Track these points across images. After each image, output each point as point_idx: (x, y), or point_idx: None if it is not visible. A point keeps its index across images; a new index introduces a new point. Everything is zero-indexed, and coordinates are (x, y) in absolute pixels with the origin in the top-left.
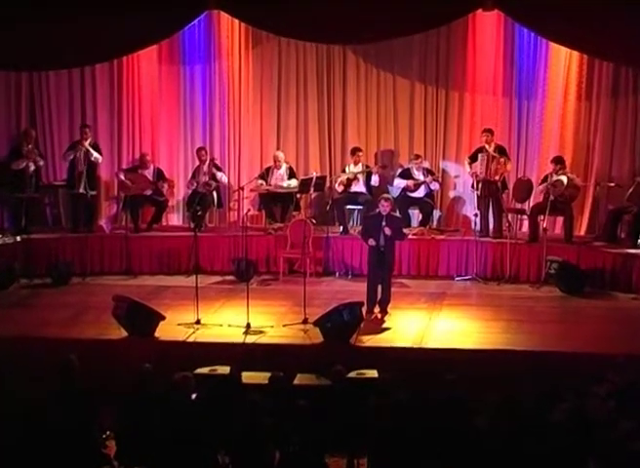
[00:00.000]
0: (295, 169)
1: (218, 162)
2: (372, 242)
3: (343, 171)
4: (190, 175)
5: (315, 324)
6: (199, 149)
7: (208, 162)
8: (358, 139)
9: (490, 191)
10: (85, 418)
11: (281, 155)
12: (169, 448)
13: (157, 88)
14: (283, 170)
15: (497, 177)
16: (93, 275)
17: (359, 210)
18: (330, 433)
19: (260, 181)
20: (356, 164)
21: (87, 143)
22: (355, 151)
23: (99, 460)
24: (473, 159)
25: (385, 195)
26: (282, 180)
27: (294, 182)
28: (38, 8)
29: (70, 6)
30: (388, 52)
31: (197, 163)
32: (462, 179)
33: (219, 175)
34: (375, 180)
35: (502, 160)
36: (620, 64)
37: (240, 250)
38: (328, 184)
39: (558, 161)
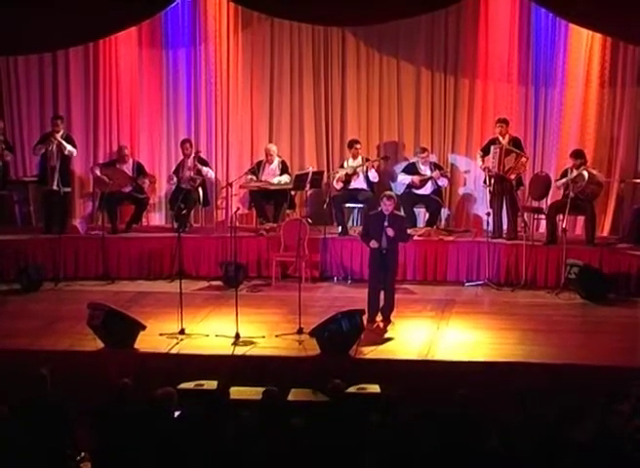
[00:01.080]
0: (288, 163)
1: (203, 155)
2: (373, 244)
3: (342, 165)
4: (173, 169)
5: (311, 334)
6: (183, 142)
7: (193, 155)
8: (358, 131)
9: (503, 188)
10: (58, 438)
11: (273, 148)
12: None
13: (137, 74)
14: (275, 164)
15: (512, 177)
16: (66, 280)
17: (359, 208)
18: (327, 454)
19: (251, 177)
20: (355, 158)
21: (59, 136)
22: (353, 144)
23: None
24: (485, 152)
25: (388, 192)
26: (274, 176)
27: (287, 178)
28: None
29: None
30: (392, 34)
31: (181, 157)
32: (473, 175)
33: (204, 169)
34: (373, 176)
35: (518, 153)
36: None
37: (228, 252)
38: (325, 180)
39: (578, 155)
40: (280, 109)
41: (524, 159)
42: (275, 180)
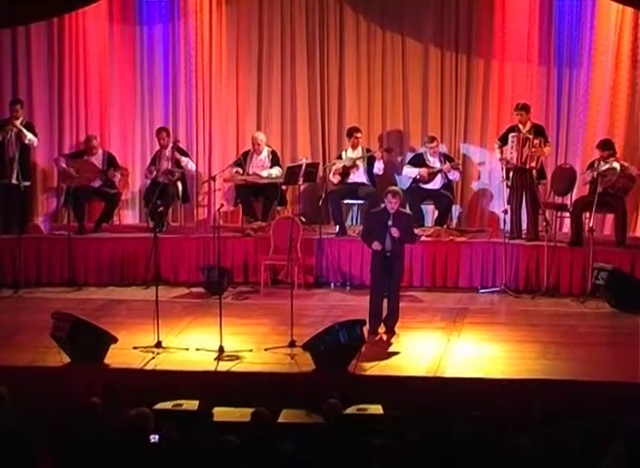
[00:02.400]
0: (279, 154)
1: (183, 146)
2: (376, 245)
3: (339, 157)
4: (149, 161)
5: (305, 347)
6: (159, 130)
7: (170, 146)
8: (358, 118)
9: (523, 182)
10: (16, 466)
11: (261, 136)
12: None
13: (108, 54)
14: (264, 155)
15: (532, 165)
16: (27, 287)
17: (359, 205)
18: None
19: (236, 170)
20: (354, 148)
21: (19, 123)
22: (352, 132)
23: None
24: (503, 142)
25: (393, 187)
26: (263, 168)
27: (278, 171)
28: None
29: None
30: (396, 7)
31: (157, 147)
32: (489, 167)
33: (184, 161)
34: (378, 168)
35: (539, 143)
36: None
37: (211, 255)
38: (321, 173)
39: (607, 145)
40: (270, 93)
41: (536, 141)
42: (265, 173)
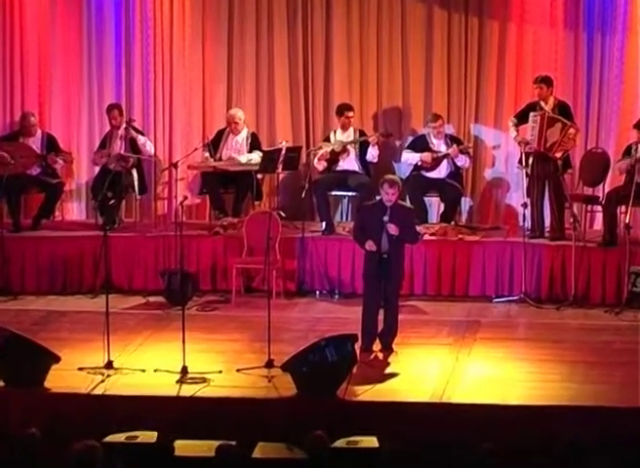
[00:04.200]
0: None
1: (138, 125)
2: (370, 245)
3: (327, 139)
4: (98, 145)
5: (285, 368)
6: (110, 108)
7: (124, 126)
8: (349, 93)
9: (546, 170)
10: None
11: (240, 114)
12: None
13: (49, 19)
14: (243, 136)
15: (557, 155)
16: None
17: (350, 197)
18: None
19: (206, 154)
20: (345, 129)
21: None
22: (343, 110)
23: None
24: (521, 120)
25: (390, 176)
26: (240, 152)
27: (258, 156)
28: None
29: None
30: None
31: (108, 128)
32: (504, 152)
33: (141, 140)
34: (372, 155)
35: (575, 133)
36: None
37: (173, 257)
38: (304, 159)
39: None
40: (242, 64)
41: (573, 130)
42: (243, 159)
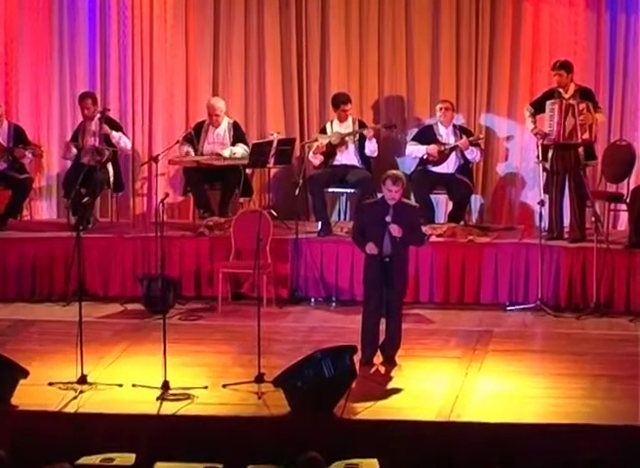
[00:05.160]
0: (244, 128)
1: (114, 116)
2: (371, 248)
3: (323, 131)
4: (69, 137)
5: (277, 383)
6: (83, 96)
7: (98, 116)
8: (347, 79)
9: (566, 163)
10: None
11: (220, 104)
12: None
13: (15, 0)
14: (224, 128)
15: (584, 136)
16: None
17: (349, 194)
18: None
19: (187, 148)
20: (342, 120)
21: None
22: (339, 103)
23: None
24: (538, 108)
25: (394, 172)
26: (223, 146)
27: (242, 149)
28: None
29: None
30: None
31: (80, 118)
32: (519, 144)
33: (115, 136)
34: (370, 149)
35: (587, 107)
36: None
37: (153, 261)
38: (298, 153)
39: None
40: (229, 49)
41: (583, 105)
42: (226, 153)
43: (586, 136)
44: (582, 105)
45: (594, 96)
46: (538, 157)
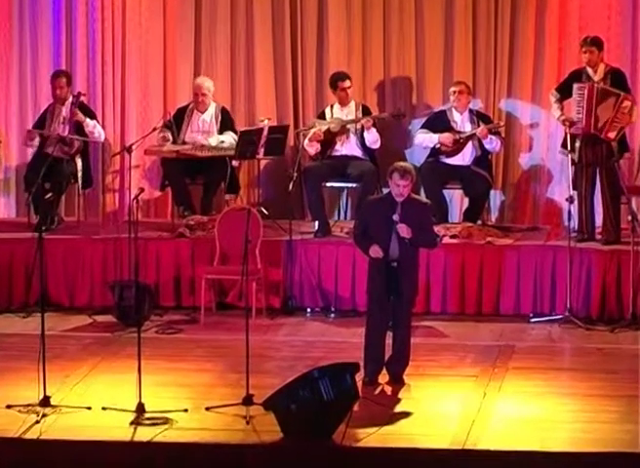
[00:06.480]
0: (231, 113)
1: (87, 101)
2: (375, 251)
3: (321, 116)
4: (33, 123)
5: (267, 406)
6: (57, 74)
7: (71, 100)
8: (347, 60)
9: (597, 154)
10: None
11: (208, 84)
12: None
13: None
14: (211, 113)
15: (610, 135)
16: None
17: (350, 190)
18: None
19: (164, 135)
20: (344, 104)
21: None
22: (337, 81)
23: None
24: (564, 93)
25: (401, 164)
26: (209, 133)
27: (232, 138)
28: None
29: None
30: None
31: (46, 102)
32: (545, 132)
33: (89, 125)
34: (369, 140)
35: (631, 106)
36: None
37: (125, 266)
38: (292, 142)
39: None
40: (214, 26)
41: (628, 102)
42: (213, 141)
43: (612, 135)
44: (627, 103)
45: (626, 79)
46: (564, 147)
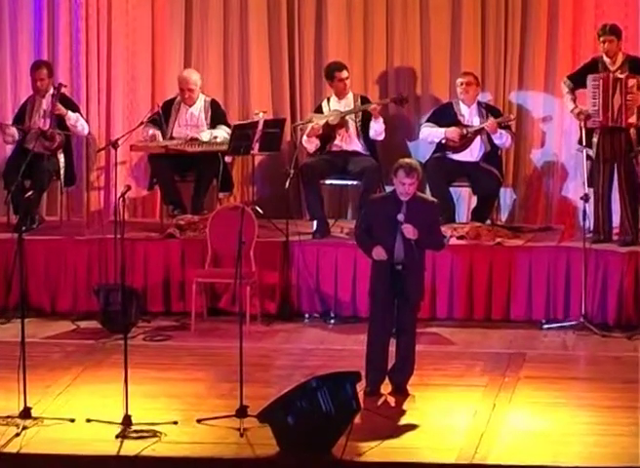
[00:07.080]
0: (223, 107)
1: (69, 93)
2: (378, 253)
3: (318, 110)
4: (12, 118)
5: (262, 418)
6: (38, 65)
7: (52, 92)
8: (348, 50)
9: (615, 148)
10: None
11: (195, 77)
12: None
13: None
14: (199, 107)
15: (630, 121)
16: None
17: (351, 187)
18: None
19: (152, 131)
20: (341, 96)
21: None
22: (333, 71)
23: None
24: (578, 83)
25: (407, 160)
26: (199, 128)
27: (224, 133)
28: None
29: None
30: None
31: (23, 95)
32: (559, 126)
33: (72, 117)
34: (376, 130)
35: (637, 83)
36: None
37: (111, 268)
38: (288, 137)
39: None
40: (205, 14)
41: (633, 81)
42: (204, 136)
43: (633, 119)
44: (633, 81)
45: None
46: (580, 142)
